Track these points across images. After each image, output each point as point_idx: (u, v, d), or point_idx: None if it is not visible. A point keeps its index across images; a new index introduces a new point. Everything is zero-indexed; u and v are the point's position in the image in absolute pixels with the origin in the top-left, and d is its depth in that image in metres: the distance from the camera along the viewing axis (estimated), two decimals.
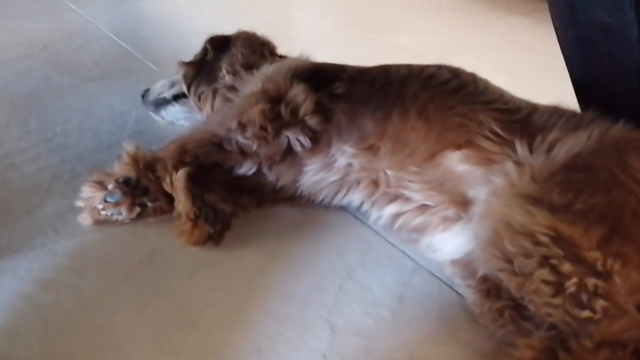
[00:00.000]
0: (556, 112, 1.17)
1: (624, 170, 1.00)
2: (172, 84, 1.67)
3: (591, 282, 0.88)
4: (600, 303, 0.87)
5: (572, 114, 1.17)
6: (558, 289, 0.89)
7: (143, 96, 1.72)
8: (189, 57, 1.62)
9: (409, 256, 1.18)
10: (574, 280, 0.89)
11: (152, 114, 1.71)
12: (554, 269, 0.90)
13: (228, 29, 1.61)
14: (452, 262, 1.12)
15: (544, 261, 0.91)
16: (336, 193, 1.28)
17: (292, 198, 1.32)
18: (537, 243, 0.92)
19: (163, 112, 1.69)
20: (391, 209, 1.21)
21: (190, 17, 2.81)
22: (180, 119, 1.68)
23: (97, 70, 2.06)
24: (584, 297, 0.88)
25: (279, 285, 1.10)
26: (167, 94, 1.67)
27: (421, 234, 1.18)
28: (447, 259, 1.13)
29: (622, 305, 0.87)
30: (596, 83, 1.26)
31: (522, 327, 0.96)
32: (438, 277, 1.13)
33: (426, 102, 1.19)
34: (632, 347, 0.83)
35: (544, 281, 0.90)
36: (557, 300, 0.89)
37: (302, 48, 1.48)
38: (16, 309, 1.02)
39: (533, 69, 2.25)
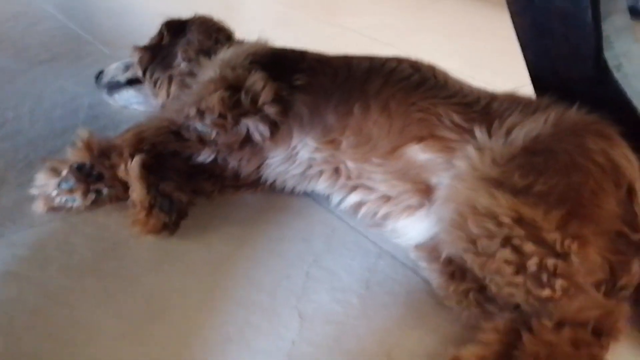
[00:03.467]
0: (514, 99, 1.19)
1: (583, 153, 1.04)
2: (127, 68, 1.63)
3: (551, 262, 0.92)
4: (559, 282, 0.90)
5: (529, 100, 1.19)
6: (519, 268, 0.92)
7: (97, 78, 1.68)
8: (140, 39, 1.58)
9: (372, 241, 1.20)
10: (535, 260, 0.92)
11: (105, 96, 1.66)
12: (515, 249, 0.93)
13: (176, 9, 1.58)
14: (416, 246, 1.13)
15: (506, 242, 0.94)
16: (299, 183, 1.28)
17: (254, 184, 1.31)
18: (500, 224, 0.95)
19: (116, 96, 1.65)
20: (354, 197, 1.22)
21: None
22: (134, 103, 1.65)
23: (45, 53, 1.98)
24: (544, 277, 0.91)
25: (246, 273, 1.10)
26: (121, 78, 1.63)
27: (385, 220, 1.20)
28: (411, 243, 1.15)
29: (581, 284, 0.91)
30: (552, 69, 1.29)
31: (486, 309, 0.98)
32: (402, 262, 1.14)
33: (388, 97, 1.20)
34: (592, 325, 0.87)
35: (506, 261, 0.93)
36: (519, 279, 0.92)
37: (259, 32, 1.47)
38: None
39: (485, 53, 2.28)
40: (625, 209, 1.00)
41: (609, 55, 1.17)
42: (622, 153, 1.05)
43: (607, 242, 0.98)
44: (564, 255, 0.92)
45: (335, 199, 1.25)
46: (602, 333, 0.87)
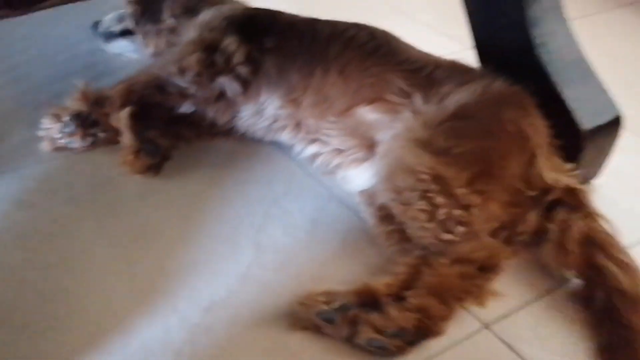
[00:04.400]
0: (454, 67, 1.37)
1: (497, 121, 1.23)
2: (121, 19, 1.80)
3: (456, 212, 1.13)
4: (459, 229, 1.12)
5: (467, 69, 1.37)
6: (431, 216, 1.14)
7: (94, 27, 1.85)
8: None
9: (325, 187, 1.41)
10: (444, 210, 1.13)
11: (102, 44, 1.84)
12: (430, 200, 1.14)
13: None
14: (360, 192, 1.34)
15: (424, 194, 1.15)
16: (266, 134, 1.49)
17: (228, 133, 1.52)
18: (421, 180, 1.16)
19: (112, 44, 1.83)
20: (311, 149, 1.42)
21: None
22: (128, 52, 1.82)
23: None
24: (450, 224, 1.13)
25: (215, 209, 1.32)
26: (116, 28, 1.80)
27: (336, 169, 1.40)
28: (356, 190, 1.36)
29: (477, 231, 1.13)
30: (493, 40, 1.45)
31: (404, 247, 1.19)
32: (347, 205, 1.36)
33: (346, 63, 1.37)
34: (478, 264, 1.09)
35: (422, 210, 1.14)
36: (430, 225, 1.14)
37: None
38: None
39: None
40: (525, 170, 1.20)
41: (536, 33, 1.33)
42: (531, 122, 1.24)
43: (507, 197, 1.19)
44: (467, 207, 1.14)
45: (297, 149, 1.46)
46: (486, 269, 1.10)
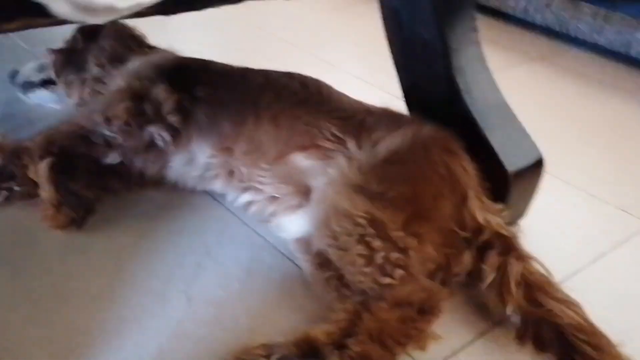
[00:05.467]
0: (385, 114, 1.39)
1: (428, 164, 1.25)
2: (41, 69, 1.73)
3: (394, 255, 1.12)
4: (398, 272, 1.11)
5: (397, 116, 1.40)
6: (369, 260, 1.13)
7: (11, 77, 1.77)
8: (57, 35, 1.67)
9: (260, 235, 1.38)
10: (382, 254, 1.12)
11: (20, 95, 1.76)
12: (367, 245, 1.13)
13: None
14: (295, 240, 1.32)
15: (361, 239, 1.14)
16: (198, 183, 1.45)
17: (158, 183, 1.47)
18: (357, 224, 1.15)
19: (31, 95, 1.76)
20: (245, 197, 1.39)
21: None
22: (49, 102, 1.75)
23: None
24: (388, 268, 1.12)
25: (144, 262, 1.26)
26: (36, 78, 1.73)
27: (271, 217, 1.38)
28: (292, 237, 1.33)
29: (414, 273, 1.12)
30: (417, 90, 1.49)
31: (342, 293, 1.17)
32: (283, 253, 1.33)
33: (278, 111, 1.37)
34: (417, 306, 1.08)
35: (359, 254, 1.13)
36: (368, 270, 1.12)
37: (169, 41, 1.62)
38: None
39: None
40: (458, 211, 1.22)
41: (461, 80, 1.38)
42: (461, 165, 1.27)
43: (442, 239, 1.20)
44: (404, 250, 1.14)
45: (230, 197, 1.42)
46: (425, 311, 1.09)
